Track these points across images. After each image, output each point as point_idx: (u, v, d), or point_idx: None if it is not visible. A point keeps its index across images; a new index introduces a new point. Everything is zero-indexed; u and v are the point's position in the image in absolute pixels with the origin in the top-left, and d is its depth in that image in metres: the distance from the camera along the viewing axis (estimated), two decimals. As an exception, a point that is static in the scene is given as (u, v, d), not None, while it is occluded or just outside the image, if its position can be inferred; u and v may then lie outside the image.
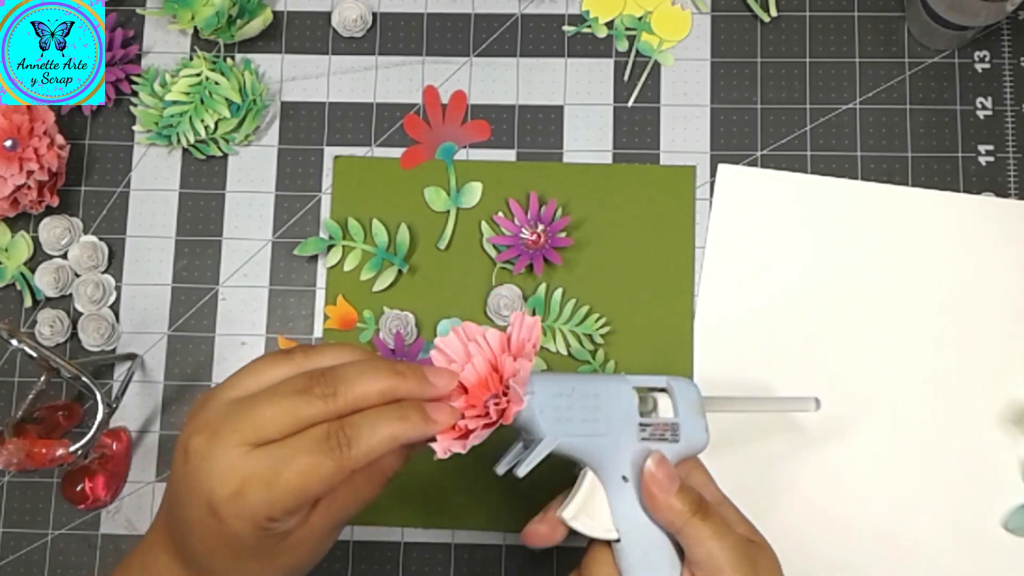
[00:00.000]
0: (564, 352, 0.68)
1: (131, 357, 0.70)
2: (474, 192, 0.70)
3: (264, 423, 0.44)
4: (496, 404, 0.49)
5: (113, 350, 0.70)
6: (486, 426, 0.49)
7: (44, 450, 0.62)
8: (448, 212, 0.70)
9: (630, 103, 0.71)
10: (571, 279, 0.69)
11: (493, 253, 0.69)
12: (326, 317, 0.69)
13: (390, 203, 0.70)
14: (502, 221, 0.69)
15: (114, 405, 0.67)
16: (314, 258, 0.71)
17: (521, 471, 0.51)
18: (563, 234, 0.69)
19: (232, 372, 0.48)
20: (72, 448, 0.62)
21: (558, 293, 0.68)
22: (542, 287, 0.68)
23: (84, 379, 0.63)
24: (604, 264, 0.69)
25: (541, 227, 0.68)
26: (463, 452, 0.48)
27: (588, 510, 0.52)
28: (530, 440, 0.52)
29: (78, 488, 0.67)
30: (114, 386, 0.70)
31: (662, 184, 0.70)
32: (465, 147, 0.71)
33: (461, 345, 0.51)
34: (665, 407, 0.54)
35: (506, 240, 0.69)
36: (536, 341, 0.51)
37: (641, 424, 0.53)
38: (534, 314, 0.67)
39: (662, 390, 0.54)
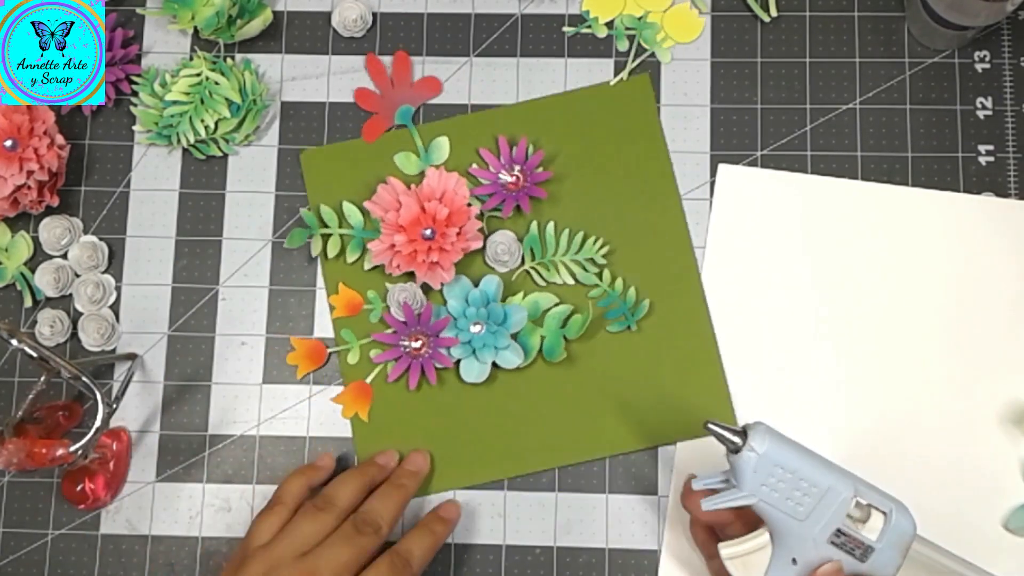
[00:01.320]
0: (571, 282, 0.69)
1: (131, 357, 0.70)
2: (442, 147, 0.70)
3: (344, 565, 0.59)
4: (429, 233, 0.64)
5: (113, 350, 0.70)
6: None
7: (44, 450, 0.62)
8: (423, 173, 0.70)
9: (617, 80, 0.71)
10: (560, 211, 0.69)
11: (478, 205, 0.69)
12: (332, 307, 0.69)
13: (364, 182, 0.70)
14: (479, 172, 0.70)
15: (114, 405, 0.67)
16: (314, 258, 0.71)
17: (706, 506, 0.54)
18: (540, 169, 0.69)
19: (254, 526, 0.61)
20: (72, 448, 0.62)
21: (551, 227, 0.69)
22: (533, 225, 0.69)
23: (84, 379, 0.63)
24: (587, 189, 0.70)
25: (517, 168, 0.69)
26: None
27: (747, 561, 0.54)
28: (731, 480, 0.54)
29: (78, 488, 0.67)
30: (114, 386, 0.70)
31: (622, 100, 0.71)
32: (420, 107, 0.72)
33: (391, 197, 0.66)
34: (873, 527, 0.54)
35: (487, 189, 0.69)
36: (458, 185, 0.66)
37: (839, 531, 0.53)
38: (533, 256, 0.69)
39: (883, 512, 0.54)
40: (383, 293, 0.69)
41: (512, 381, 0.68)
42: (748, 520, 0.58)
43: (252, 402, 0.69)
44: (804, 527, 0.53)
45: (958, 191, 0.69)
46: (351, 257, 0.69)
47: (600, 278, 0.69)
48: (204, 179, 0.72)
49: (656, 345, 0.68)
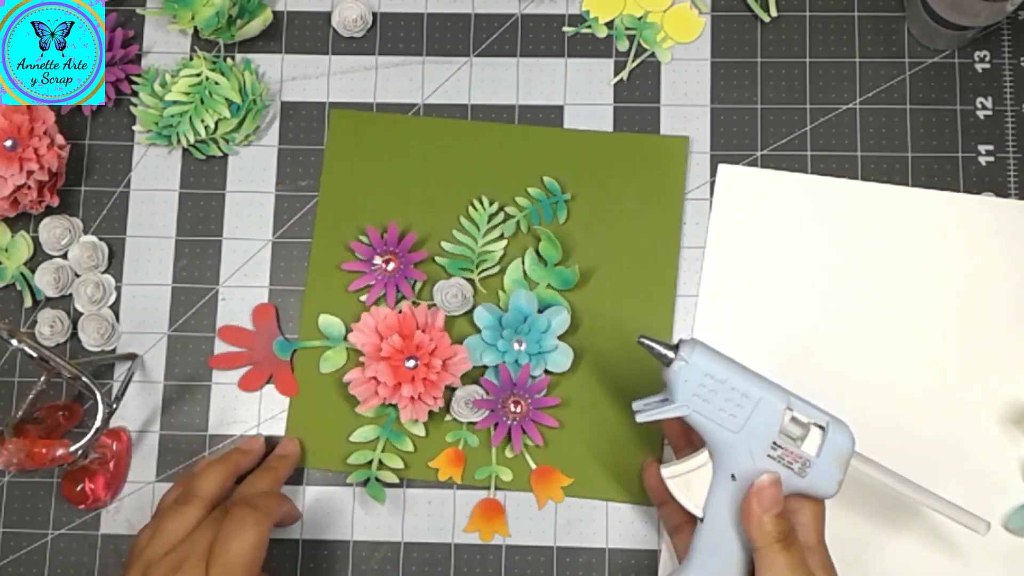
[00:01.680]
0: (500, 246, 0.69)
1: (131, 357, 0.70)
2: (333, 326, 0.69)
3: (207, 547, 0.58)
4: (413, 364, 0.64)
5: (113, 350, 0.70)
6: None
7: (44, 450, 0.62)
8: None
9: (617, 80, 0.71)
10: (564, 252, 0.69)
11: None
12: (437, 470, 0.68)
13: (381, 159, 0.71)
14: (351, 265, 0.69)
15: (114, 405, 0.67)
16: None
17: (639, 418, 0.55)
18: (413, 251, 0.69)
19: (136, 539, 0.61)
20: (72, 448, 0.62)
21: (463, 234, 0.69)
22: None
23: (84, 379, 0.63)
24: (593, 223, 0.69)
25: (388, 256, 0.68)
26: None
27: (688, 481, 0.55)
28: (664, 385, 0.55)
29: (78, 488, 0.67)
30: (114, 386, 0.70)
31: (655, 151, 0.70)
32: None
33: (372, 328, 0.65)
34: (812, 443, 0.54)
35: (366, 279, 0.69)
36: (441, 323, 0.65)
37: (775, 444, 0.54)
38: (475, 267, 0.69)
39: (821, 427, 0.55)
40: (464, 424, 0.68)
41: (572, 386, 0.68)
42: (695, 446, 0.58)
43: (252, 402, 0.69)
44: (739, 439, 0.54)
45: (958, 191, 0.69)
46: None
47: (507, 219, 0.69)
48: (204, 179, 0.72)
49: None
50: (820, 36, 0.71)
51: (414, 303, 0.67)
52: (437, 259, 0.69)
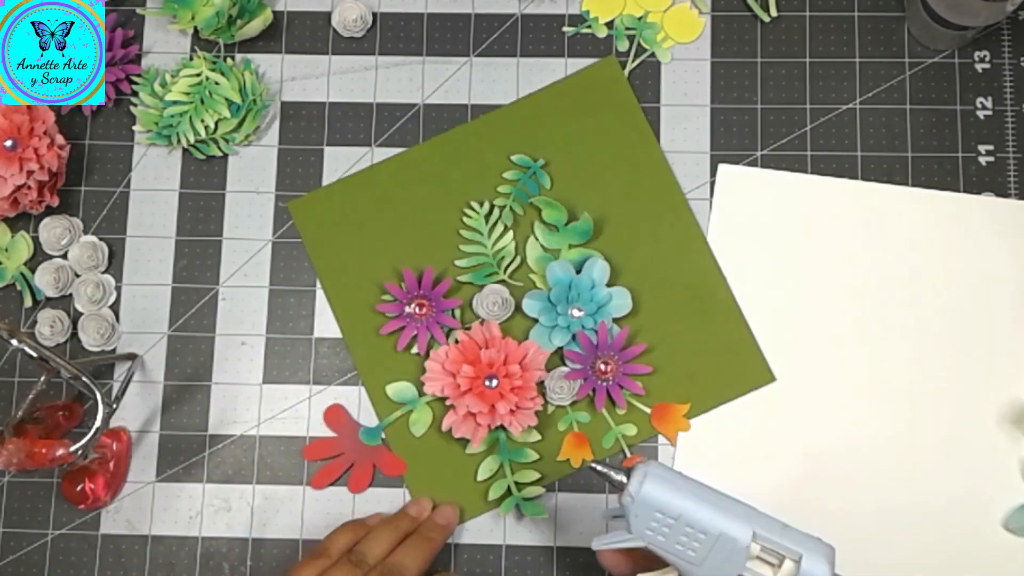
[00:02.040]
0: (507, 242, 0.69)
1: (131, 357, 0.70)
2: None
3: None
4: (492, 383, 0.64)
5: (113, 350, 0.70)
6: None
7: (44, 450, 0.62)
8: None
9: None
10: (556, 199, 0.69)
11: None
12: (568, 461, 0.67)
13: (358, 220, 0.70)
14: (385, 307, 0.68)
15: (114, 405, 0.67)
16: (312, 266, 0.71)
17: (594, 545, 0.52)
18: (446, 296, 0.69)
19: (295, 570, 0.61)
20: (72, 448, 0.62)
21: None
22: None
23: (84, 379, 0.63)
24: (579, 178, 0.70)
25: (418, 300, 0.68)
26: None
27: None
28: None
29: (78, 488, 0.67)
30: (114, 386, 0.70)
31: (594, 85, 0.71)
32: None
33: (440, 367, 0.65)
34: (787, 573, 0.49)
35: (396, 323, 0.68)
36: (498, 332, 0.66)
37: None
38: (504, 269, 0.69)
39: (792, 558, 0.50)
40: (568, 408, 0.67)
41: None
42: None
43: (252, 402, 0.69)
44: (703, 572, 0.50)
45: (958, 191, 0.69)
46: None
47: (501, 210, 0.69)
48: (204, 179, 0.72)
49: (674, 311, 0.68)
50: (820, 36, 0.71)
51: (465, 329, 0.67)
52: (460, 278, 0.69)
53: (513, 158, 0.70)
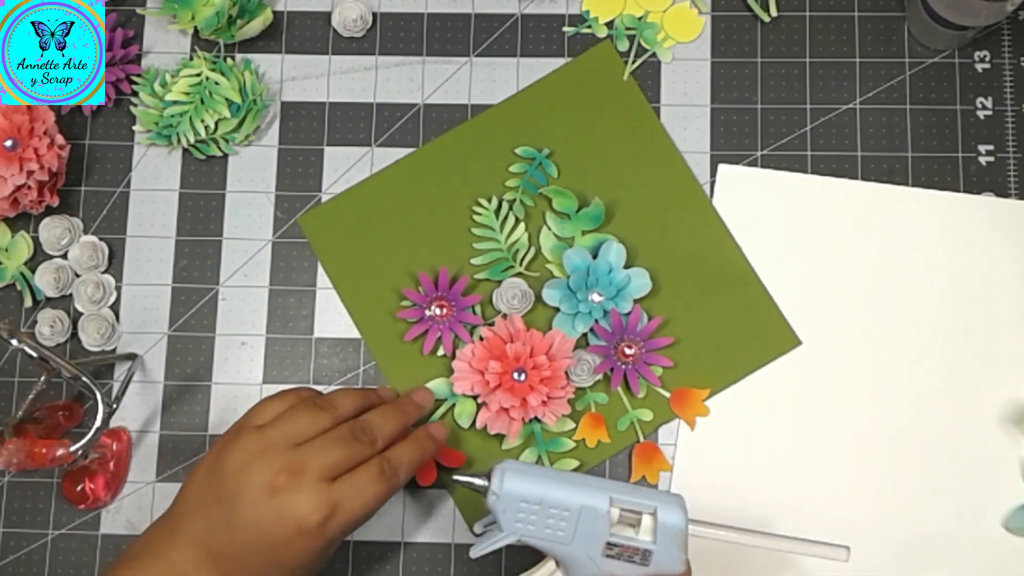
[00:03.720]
0: (521, 233, 0.69)
1: (131, 357, 0.70)
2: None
3: (333, 464, 0.57)
4: (520, 376, 0.64)
5: (113, 350, 0.70)
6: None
7: (44, 450, 0.62)
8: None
9: (624, 77, 0.71)
10: (566, 186, 0.69)
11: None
12: (581, 442, 0.67)
13: (370, 230, 0.70)
14: (406, 313, 0.68)
15: (114, 405, 0.67)
16: (313, 259, 0.71)
17: (473, 553, 0.54)
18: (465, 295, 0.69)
19: (252, 413, 0.60)
20: (72, 448, 0.62)
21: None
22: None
23: (84, 379, 0.63)
24: (586, 164, 0.70)
25: (439, 302, 0.68)
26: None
27: None
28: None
29: (78, 488, 0.67)
30: (114, 386, 0.70)
31: (593, 71, 0.71)
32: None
33: (467, 366, 0.66)
34: (646, 529, 0.53)
35: (419, 328, 0.68)
36: (521, 325, 0.66)
37: (609, 543, 0.53)
38: (521, 262, 0.69)
39: (651, 513, 0.53)
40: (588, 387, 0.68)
41: None
42: None
43: (252, 402, 0.69)
44: (575, 549, 0.53)
45: (958, 191, 0.69)
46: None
47: (511, 204, 0.69)
48: (204, 179, 0.72)
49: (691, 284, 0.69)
50: (820, 36, 0.71)
51: (488, 324, 0.67)
52: (477, 276, 0.69)
53: (517, 151, 0.70)
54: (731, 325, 0.68)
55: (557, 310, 0.67)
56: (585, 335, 0.67)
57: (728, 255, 0.68)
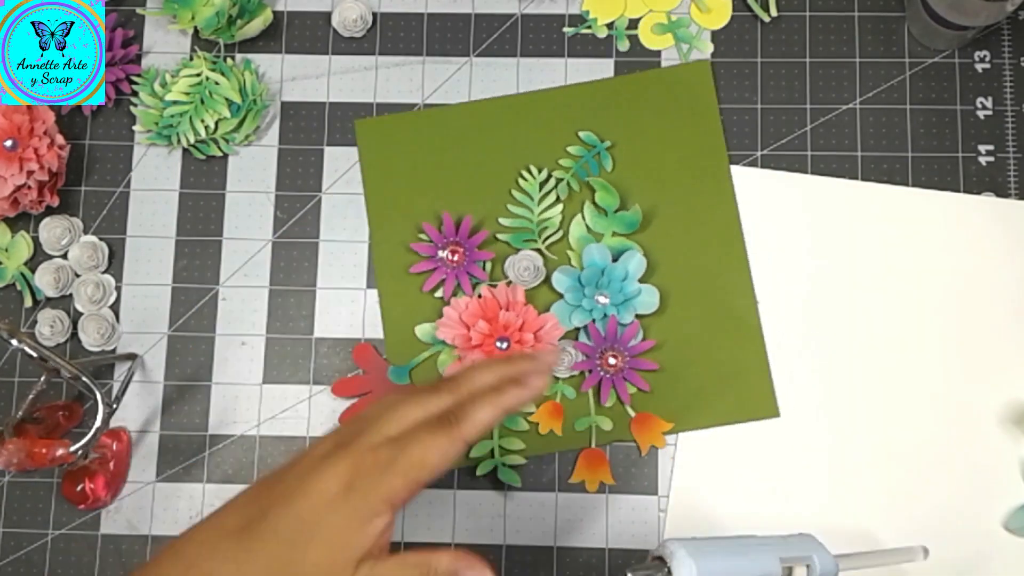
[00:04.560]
0: (558, 211, 0.69)
1: (131, 357, 0.70)
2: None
3: (415, 460, 0.46)
4: (505, 344, 0.64)
5: (113, 350, 0.70)
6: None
7: (44, 450, 0.62)
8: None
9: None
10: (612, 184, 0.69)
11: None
12: (535, 424, 0.67)
13: (418, 153, 0.71)
14: (419, 247, 0.69)
15: (114, 405, 0.67)
16: (314, 259, 0.71)
17: None
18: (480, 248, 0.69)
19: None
20: (72, 448, 0.62)
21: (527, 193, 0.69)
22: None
23: (84, 379, 0.63)
24: (640, 170, 0.69)
25: (452, 247, 0.68)
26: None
27: None
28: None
29: (78, 488, 0.67)
30: (114, 386, 0.70)
31: (680, 84, 0.70)
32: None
33: (457, 320, 0.66)
34: None
35: (426, 265, 0.68)
36: (522, 297, 0.66)
37: None
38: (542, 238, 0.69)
39: (805, 563, 0.55)
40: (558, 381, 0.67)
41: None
42: None
43: (252, 402, 0.69)
44: None
45: (958, 191, 0.69)
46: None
47: (558, 182, 0.69)
48: (204, 179, 0.72)
49: (700, 324, 0.68)
50: (820, 36, 0.71)
51: (491, 285, 0.67)
52: (499, 236, 0.69)
53: (581, 134, 0.70)
54: (719, 373, 0.67)
55: (560, 297, 0.67)
56: (577, 330, 0.67)
57: (743, 304, 0.68)
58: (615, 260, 0.67)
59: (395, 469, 0.46)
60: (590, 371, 0.67)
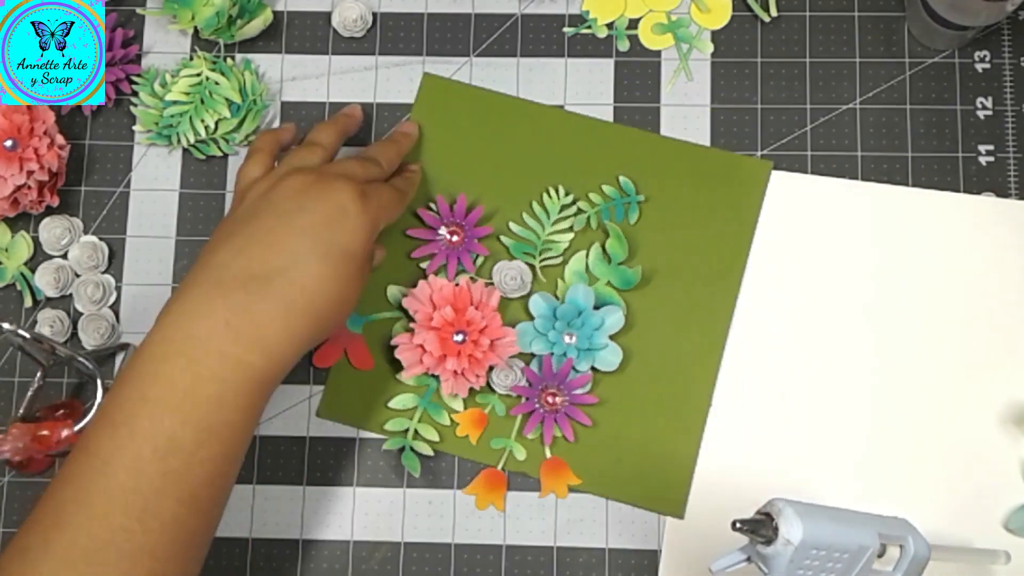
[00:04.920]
0: (566, 243, 0.69)
1: (124, 347, 0.69)
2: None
3: (356, 176, 0.61)
4: (461, 339, 0.64)
5: (112, 350, 0.70)
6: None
7: (48, 432, 0.61)
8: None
9: (670, 85, 0.71)
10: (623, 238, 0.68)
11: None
12: (456, 424, 0.67)
13: (468, 127, 0.72)
14: (417, 232, 0.69)
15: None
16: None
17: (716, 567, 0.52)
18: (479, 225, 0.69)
19: (242, 169, 0.64)
20: (76, 428, 0.62)
21: (539, 209, 0.69)
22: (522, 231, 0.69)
23: (80, 359, 0.63)
24: (657, 232, 0.69)
25: (453, 227, 0.68)
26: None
27: None
28: (757, 555, 0.51)
29: None
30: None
31: (734, 172, 0.69)
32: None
33: (427, 296, 0.66)
34: (889, 558, 0.53)
35: (428, 248, 0.69)
36: (495, 303, 0.65)
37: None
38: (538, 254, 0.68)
39: (899, 544, 0.53)
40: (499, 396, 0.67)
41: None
42: None
43: (252, 402, 0.69)
44: None
45: (958, 191, 0.69)
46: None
47: (579, 213, 0.68)
48: (204, 179, 0.72)
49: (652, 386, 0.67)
50: (820, 36, 0.71)
51: (472, 279, 0.67)
52: (502, 238, 0.69)
53: (621, 178, 0.69)
54: (644, 455, 0.66)
55: (530, 319, 0.67)
56: (532, 356, 0.67)
57: (696, 403, 0.66)
58: (596, 308, 0.67)
59: (371, 198, 0.60)
60: (527, 399, 0.66)
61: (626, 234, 0.68)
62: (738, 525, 0.50)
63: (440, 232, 0.69)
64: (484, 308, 0.65)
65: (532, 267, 0.68)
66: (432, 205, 0.69)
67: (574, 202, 0.69)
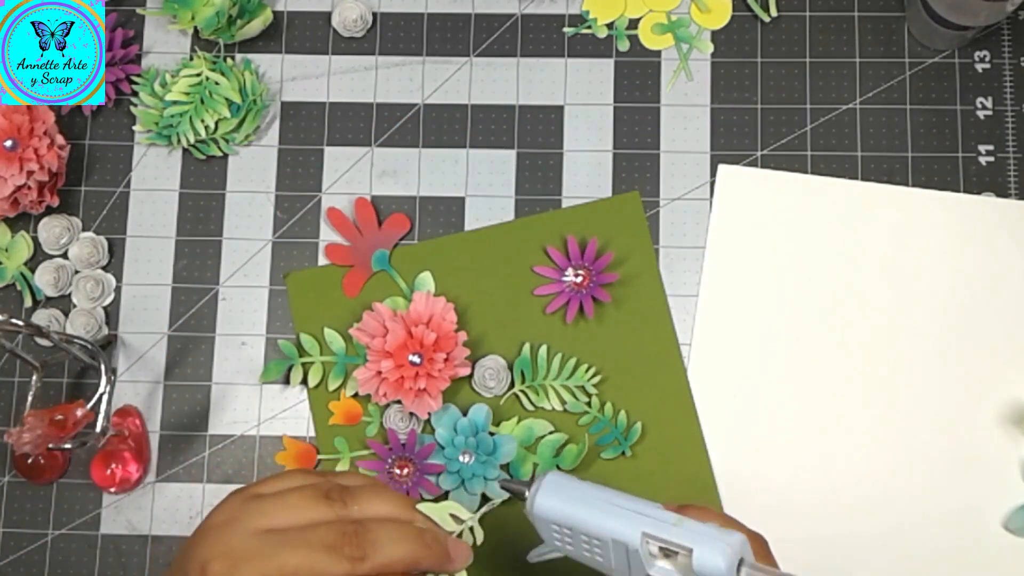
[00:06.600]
0: (559, 408, 0.67)
1: (110, 340, 0.69)
2: (426, 283, 0.69)
3: (287, 571, 0.42)
4: (417, 360, 0.64)
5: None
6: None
7: (63, 415, 0.61)
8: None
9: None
10: (558, 335, 0.68)
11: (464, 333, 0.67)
12: (330, 413, 0.68)
13: (349, 307, 0.69)
14: (543, 270, 0.68)
15: (113, 379, 0.67)
16: (313, 260, 0.71)
17: (530, 557, 0.52)
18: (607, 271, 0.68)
19: (262, 482, 0.47)
20: (89, 406, 0.62)
21: (543, 350, 0.67)
22: (526, 347, 0.67)
23: (77, 342, 0.63)
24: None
25: (581, 270, 0.67)
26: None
27: None
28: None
29: (108, 471, 0.67)
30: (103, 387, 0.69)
31: (613, 215, 0.69)
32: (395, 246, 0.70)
33: (377, 324, 0.65)
34: (684, 568, 0.46)
35: (551, 288, 0.68)
36: (445, 310, 0.65)
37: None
38: (523, 379, 0.67)
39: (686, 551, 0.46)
40: (383, 409, 0.68)
41: (504, 512, 0.65)
42: None
43: (252, 402, 0.69)
44: (619, 574, 0.49)
45: (958, 191, 0.69)
46: (333, 384, 0.68)
47: (589, 406, 0.67)
48: (204, 179, 0.72)
49: (651, 469, 0.66)
50: (820, 36, 0.71)
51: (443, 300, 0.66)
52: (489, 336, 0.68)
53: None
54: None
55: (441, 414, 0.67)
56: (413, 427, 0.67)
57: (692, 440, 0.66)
58: (492, 434, 0.66)
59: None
60: (380, 457, 0.66)
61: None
62: (502, 484, 0.52)
63: (566, 274, 0.68)
64: (434, 324, 0.64)
65: (513, 391, 0.67)
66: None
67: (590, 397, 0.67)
